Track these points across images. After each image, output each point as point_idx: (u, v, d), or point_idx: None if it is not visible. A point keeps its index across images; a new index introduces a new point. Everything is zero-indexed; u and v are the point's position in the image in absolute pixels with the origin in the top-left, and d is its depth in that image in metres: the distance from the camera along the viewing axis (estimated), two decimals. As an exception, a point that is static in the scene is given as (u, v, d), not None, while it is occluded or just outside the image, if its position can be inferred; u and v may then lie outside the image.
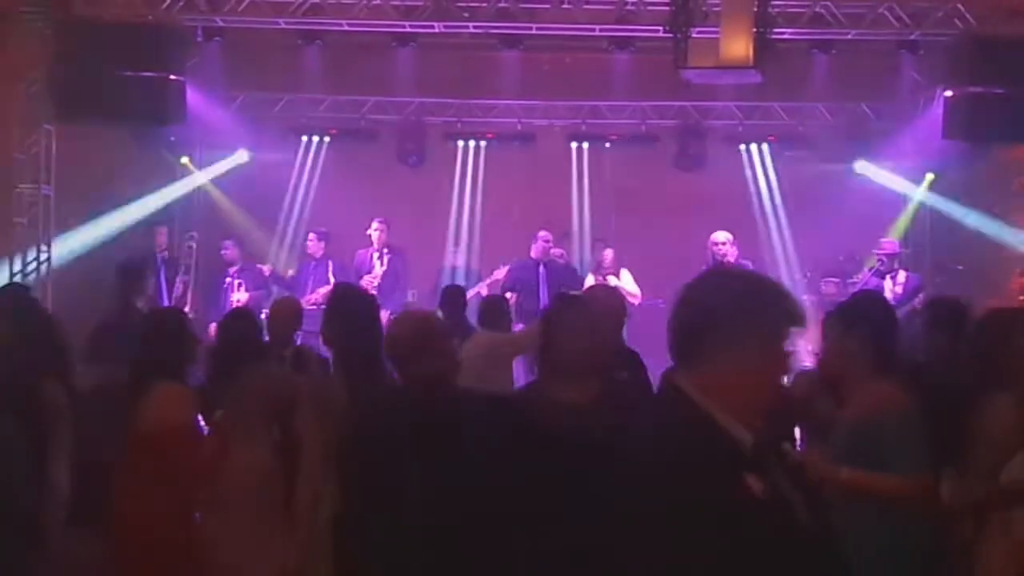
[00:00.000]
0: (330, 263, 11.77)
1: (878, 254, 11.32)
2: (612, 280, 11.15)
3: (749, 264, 11.28)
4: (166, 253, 11.90)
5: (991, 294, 12.02)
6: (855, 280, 11.53)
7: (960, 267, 12.03)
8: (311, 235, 12.05)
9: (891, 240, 11.64)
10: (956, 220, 12.63)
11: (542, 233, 11.48)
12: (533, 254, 11.40)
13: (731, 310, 2.24)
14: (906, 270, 11.38)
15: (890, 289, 10.85)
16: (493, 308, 7.30)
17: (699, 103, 13.03)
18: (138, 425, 4.76)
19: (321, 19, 11.28)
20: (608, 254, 11.69)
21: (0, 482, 3.94)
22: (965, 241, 12.52)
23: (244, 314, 6.97)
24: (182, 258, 12.02)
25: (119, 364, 5.44)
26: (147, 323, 5.70)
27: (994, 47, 10.78)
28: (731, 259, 10.70)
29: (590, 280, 11.07)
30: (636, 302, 10.98)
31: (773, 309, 2.29)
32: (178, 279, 11.53)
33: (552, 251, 11.51)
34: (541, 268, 11.25)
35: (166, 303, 10.90)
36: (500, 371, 6.21)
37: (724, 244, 10.89)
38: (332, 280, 11.67)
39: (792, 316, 2.31)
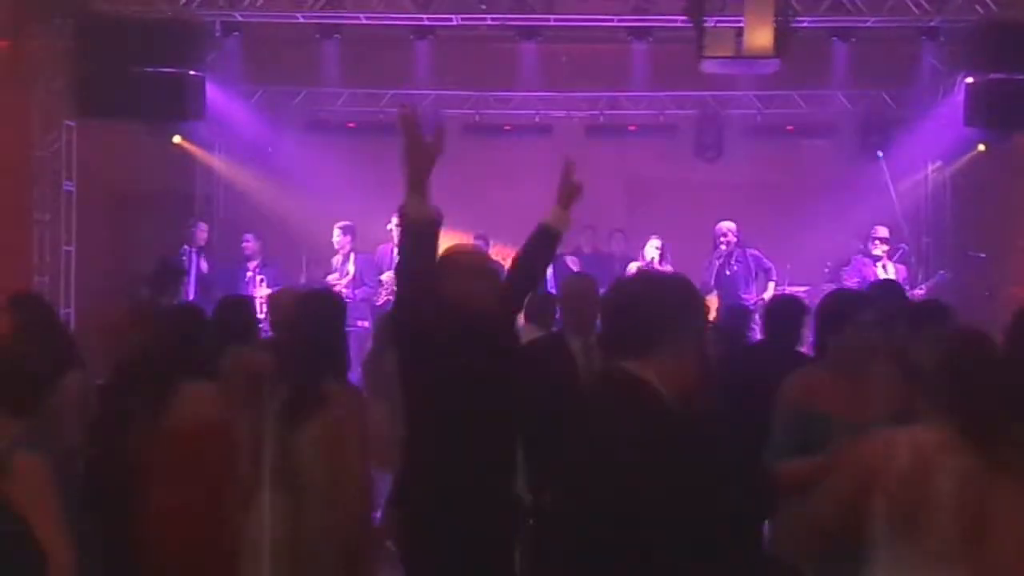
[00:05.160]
0: (353, 256, 11.76)
1: (878, 239, 11.25)
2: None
3: (757, 253, 11.33)
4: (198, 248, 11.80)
5: (1014, 282, 12.00)
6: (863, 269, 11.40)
7: (983, 255, 11.97)
8: (336, 229, 12.02)
9: (882, 227, 11.53)
10: (977, 207, 12.57)
11: None
12: None
13: (675, 311, 2.75)
14: (894, 262, 11.30)
15: (883, 276, 10.79)
16: (539, 303, 7.17)
17: (718, 92, 12.98)
18: (168, 425, 4.74)
19: (339, 12, 11.32)
20: (651, 243, 11.55)
21: None
22: (987, 229, 12.46)
23: (234, 301, 6.88)
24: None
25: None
26: (166, 322, 5.63)
27: (1015, 32, 10.73)
28: (733, 247, 10.96)
29: (634, 268, 11.02)
30: None
31: (698, 310, 2.86)
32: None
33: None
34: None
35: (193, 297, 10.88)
36: None
37: (728, 234, 11.06)
38: (352, 271, 11.73)
39: (706, 314, 3.01)
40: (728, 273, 11.34)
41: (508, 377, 4.49)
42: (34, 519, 3.69)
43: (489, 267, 4.72)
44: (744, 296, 11.10)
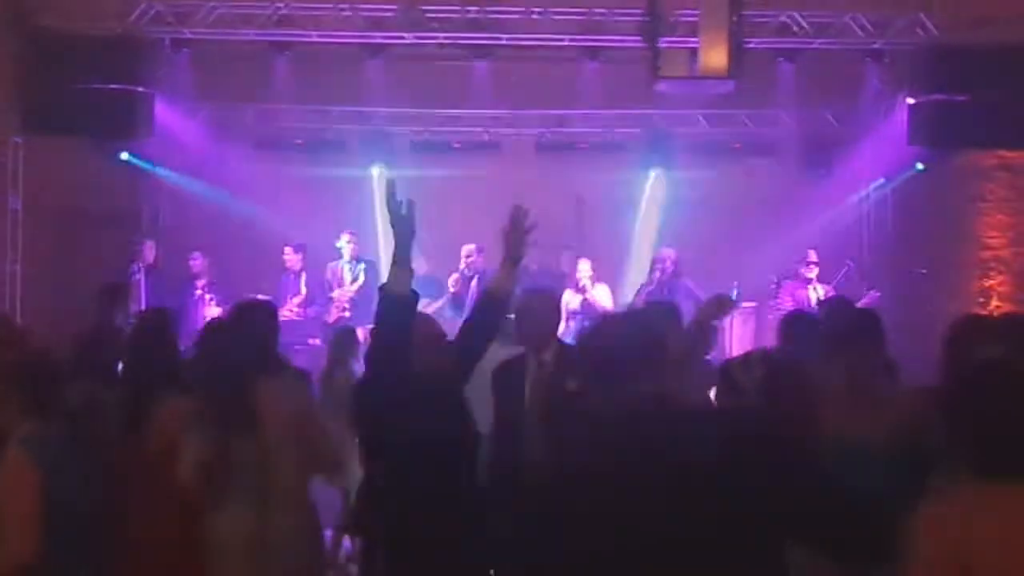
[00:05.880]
0: (304, 275, 11.74)
1: (810, 263, 11.42)
2: (589, 293, 11.16)
3: (689, 283, 11.33)
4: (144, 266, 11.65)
5: (952, 298, 12.25)
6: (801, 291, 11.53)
7: (923, 271, 12.21)
8: (287, 248, 11.97)
9: (812, 251, 11.71)
10: (918, 225, 12.82)
11: (465, 248, 11.47)
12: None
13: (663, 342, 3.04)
14: (824, 284, 11.48)
15: (815, 299, 10.97)
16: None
17: (666, 111, 13.10)
18: (147, 442, 4.72)
19: (291, 30, 11.31)
20: (580, 265, 11.49)
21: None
22: (927, 246, 12.71)
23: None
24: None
25: (102, 380, 5.39)
26: (139, 337, 5.56)
27: (956, 55, 11.04)
28: (667, 276, 11.04)
29: (568, 295, 11.04)
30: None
31: None
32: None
33: (474, 263, 11.50)
34: (473, 282, 11.23)
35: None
36: None
37: (666, 260, 11.14)
38: (304, 291, 11.71)
39: None
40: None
41: (458, 433, 4.54)
42: (6, 510, 3.85)
43: (436, 334, 4.75)
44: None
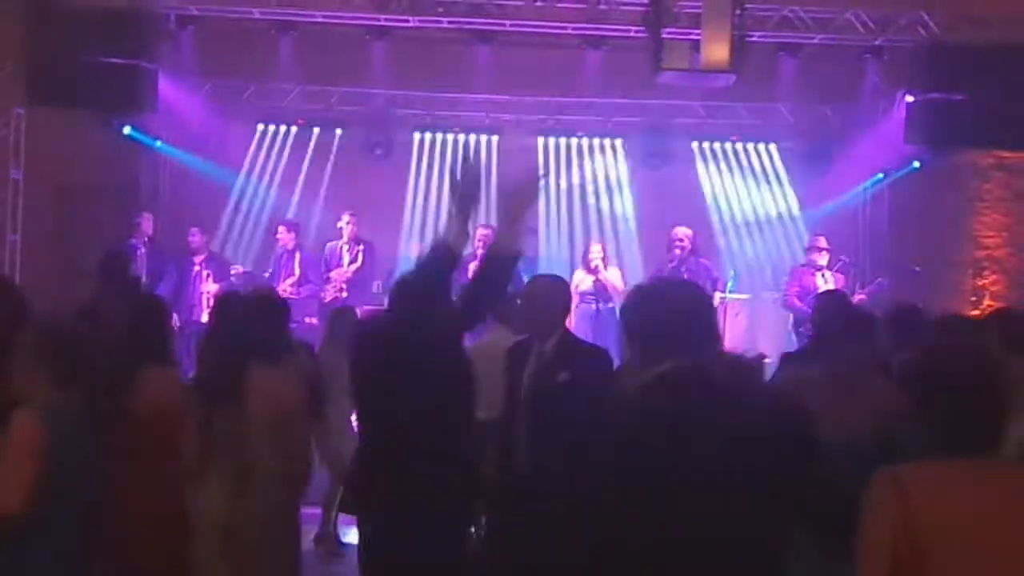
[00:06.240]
0: (298, 255, 11.79)
1: (820, 249, 11.48)
2: (602, 274, 11.23)
3: (707, 262, 11.50)
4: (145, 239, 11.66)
5: (947, 296, 12.34)
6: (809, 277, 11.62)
7: (918, 268, 12.29)
8: (280, 227, 12.02)
9: (822, 237, 11.78)
10: (914, 222, 12.90)
11: (480, 231, 11.50)
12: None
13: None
14: (833, 271, 11.56)
15: (823, 286, 11.06)
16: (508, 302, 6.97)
17: (665, 101, 13.15)
18: (131, 410, 4.79)
19: (296, 10, 11.32)
20: (592, 247, 11.52)
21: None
22: (922, 243, 12.79)
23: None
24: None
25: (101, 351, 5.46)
26: (133, 310, 5.66)
27: (956, 54, 11.07)
28: (687, 253, 11.12)
29: (580, 275, 11.15)
30: (616, 297, 11.10)
31: None
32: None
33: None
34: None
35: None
36: None
37: (684, 239, 11.19)
38: (298, 272, 11.76)
39: None
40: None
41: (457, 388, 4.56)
42: (4, 461, 3.89)
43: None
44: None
